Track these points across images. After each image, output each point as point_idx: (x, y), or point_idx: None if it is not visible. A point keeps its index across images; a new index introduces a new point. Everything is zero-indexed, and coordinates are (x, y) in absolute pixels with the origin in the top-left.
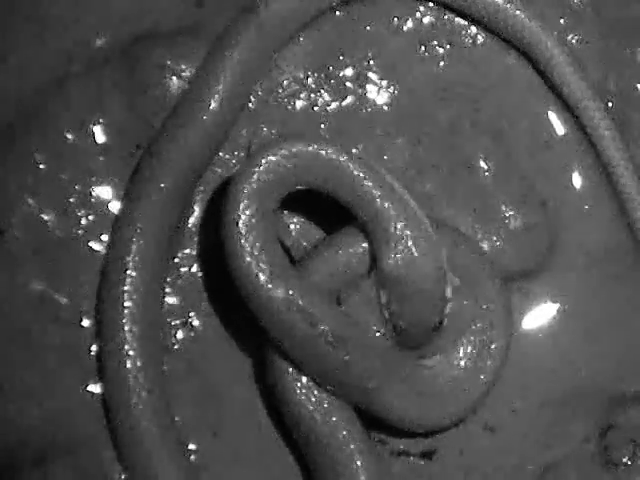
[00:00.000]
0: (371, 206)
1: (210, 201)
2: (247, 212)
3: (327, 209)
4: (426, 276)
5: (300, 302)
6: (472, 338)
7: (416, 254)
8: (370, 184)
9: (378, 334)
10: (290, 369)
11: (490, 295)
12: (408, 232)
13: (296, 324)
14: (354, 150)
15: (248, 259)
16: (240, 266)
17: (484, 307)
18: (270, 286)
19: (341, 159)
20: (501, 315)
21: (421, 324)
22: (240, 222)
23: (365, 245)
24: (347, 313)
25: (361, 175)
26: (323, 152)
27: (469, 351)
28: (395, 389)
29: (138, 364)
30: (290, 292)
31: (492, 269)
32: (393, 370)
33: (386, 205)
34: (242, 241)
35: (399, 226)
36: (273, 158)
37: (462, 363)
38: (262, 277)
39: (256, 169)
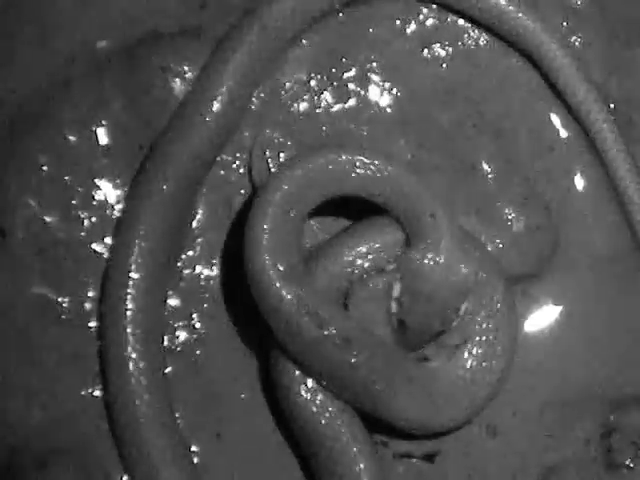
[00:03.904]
0: (417, 210)
1: (213, 203)
2: (278, 212)
3: (325, 209)
4: (449, 283)
5: (309, 303)
6: (478, 339)
7: (448, 259)
8: (416, 188)
9: (381, 330)
10: (295, 371)
11: (496, 296)
12: (448, 237)
13: (304, 325)
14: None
15: (266, 256)
16: (256, 262)
17: (490, 308)
18: (282, 285)
19: (379, 165)
20: (507, 316)
21: (425, 326)
22: (268, 220)
23: (371, 244)
24: (353, 313)
25: (405, 179)
26: (362, 159)
27: (475, 352)
28: (401, 391)
29: (140, 366)
30: (300, 293)
31: (498, 270)
32: (399, 372)
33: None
34: (264, 238)
35: (441, 228)
36: (312, 164)
37: (468, 364)
38: (276, 275)
39: (296, 172)
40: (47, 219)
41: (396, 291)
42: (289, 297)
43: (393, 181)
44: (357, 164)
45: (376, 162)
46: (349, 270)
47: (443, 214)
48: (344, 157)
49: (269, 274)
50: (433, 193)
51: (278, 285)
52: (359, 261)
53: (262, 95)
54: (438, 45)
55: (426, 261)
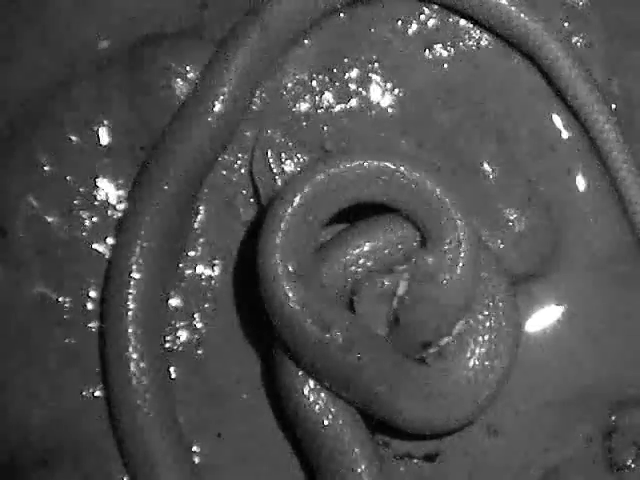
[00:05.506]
0: (440, 217)
1: (214, 203)
2: (296, 213)
3: None
4: (455, 293)
5: (314, 306)
6: (480, 338)
7: (463, 270)
8: (441, 197)
9: (382, 330)
10: (298, 372)
11: (498, 295)
12: (467, 247)
13: (308, 327)
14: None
15: (277, 255)
16: (267, 259)
17: (492, 307)
18: (289, 285)
19: (405, 172)
20: (509, 315)
21: (417, 328)
22: (284, 220)
23: (374, 243)
24: (358, 311)
25: (430, 186)
26: (388, 165)
27: (477, 352)
28: (404, 392)
29: (142, 366)
30: (306, 295)
31: (500, 269)
32: (402, 374)
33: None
34: (278, 238)
35: (462, 238)
36: (336, 169)
37: (471, 364)
38: (285, 275)
39: (318, 176)
40: (48, 219)
41: (402, 289)
42: (295, 298)
43: (418, 189)
44: (383, 170)
45: (402, 169)
46: (353, 270)
47: (466, 224)
48: (369, 163)
49: (278, 273)
50: (458, 202)
51: (285, 285)
52: (362, 260)
53: (263, 95)
54: (440, 45)
55: (441, 265)
